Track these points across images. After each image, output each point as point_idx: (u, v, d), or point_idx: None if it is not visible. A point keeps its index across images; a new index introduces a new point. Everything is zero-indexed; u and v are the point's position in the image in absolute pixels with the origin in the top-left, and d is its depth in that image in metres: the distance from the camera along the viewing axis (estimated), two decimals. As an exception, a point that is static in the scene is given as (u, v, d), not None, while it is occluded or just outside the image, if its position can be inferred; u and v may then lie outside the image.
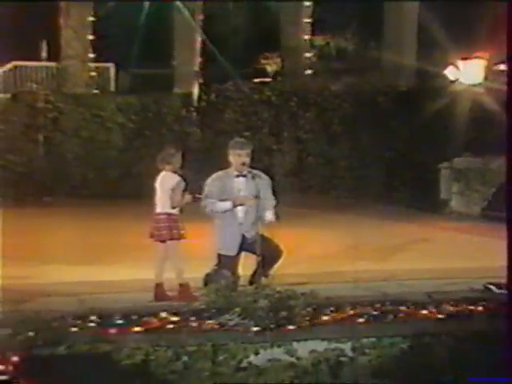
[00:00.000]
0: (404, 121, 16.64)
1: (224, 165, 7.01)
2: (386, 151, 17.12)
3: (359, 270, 8.12)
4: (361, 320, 5.67)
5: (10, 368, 4.66)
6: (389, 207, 15.16)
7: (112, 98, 17.65)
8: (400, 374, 5.42)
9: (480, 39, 14.76)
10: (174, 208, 6.80)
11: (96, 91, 18.12)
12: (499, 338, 5.05)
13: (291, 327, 5.42)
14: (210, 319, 5.46)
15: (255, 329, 5.34)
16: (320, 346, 5.40)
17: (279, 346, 5.34)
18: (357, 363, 5.43)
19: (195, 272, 6.81)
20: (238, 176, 6.90)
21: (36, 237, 10.73)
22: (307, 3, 19.36)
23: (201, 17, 18.19)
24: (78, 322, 5.37)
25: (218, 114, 17.54)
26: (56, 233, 11.04)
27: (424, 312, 5.90)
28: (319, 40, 20.82)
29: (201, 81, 17.84)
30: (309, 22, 19.38)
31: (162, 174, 6.92)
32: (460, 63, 15.26)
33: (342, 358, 5.43)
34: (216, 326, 5.39)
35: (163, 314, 5.59)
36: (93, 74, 18.26)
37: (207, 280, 6.65)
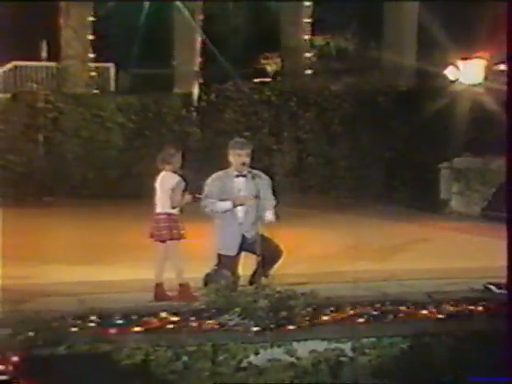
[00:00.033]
0: (404, 121, 16.64)
1: (224, 165, 7.01)
2: (386, 151, 17.12)
3: (359, 270, 8.12)
4: (361, 320, 5.68)
5: (10, 368, 4.65)
6: (389, 207, 15.16)
7: (112, 98, 17.66)
8: (400, 373, 5.42)
9: (480, 39, 14.76)
10: (173, 208, 6.80)
11: (96, 91, 18.13)
12: (499, 337, 5.05)
13: (291, 327, 5.43)
14: (210, 319, 5.47)
15: (255, 329, 5.34)
16: (320, 346, 5.41)
17: (279, 346, 5.34)
18: (357, 363, 5.43)
19: (195, 272, 6.82)
20: (238, 176, 6.90)
21: (36, 237, 10.73)
22: (307, 3, 19.37)
23: (201, 17, 18.20)
24: (78, 322, 5.37)
25: (218, 113, 17.55)
26: (56, 233, 11.03)
27: (424, 312, 5.90)
28: (319, 40, 20.83)
29: (201, 81, 17.84)
30: (309, 22, 19.39)
31: (162, 174, 6.92)
32: (460, 63, 15.26)
33: (342, 358, 5.43)
34: (216, 326, 5.39)
35: (163, 314, 5.59)
36: (93, 73, 18.28)
37: (207, 280, 6.66)
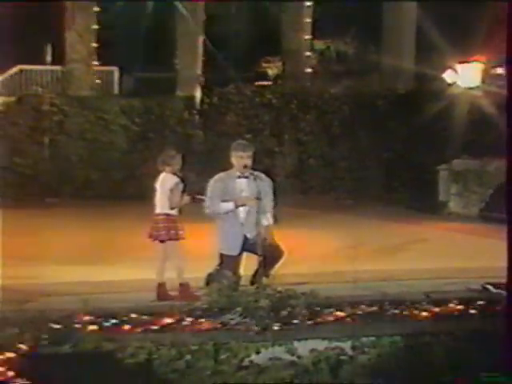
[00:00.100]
0: (403, 123, 16.72)
1: (226, 166, 7.06)
2: (385, 153, 17.19)
3: (359, 270, 8.12)
4: (361, 319, 5.74)
5: (10, 368, 4.68)
6: (388, 208, 15.22)
7: (116, 101, 17.74)
8: (399, 372, 5.45)
9: (477, 43, 14.83)
10: (172, 209, 6.87)
11: (100, 94, 18.21)
12: (498, 337, 5.08)
13: (292, 326, 5.49)
14: (212, 318, 5.53)
15: (256, 328, 5.41)
16: (320, 344, 5.42)
17: (280, 345, 5.38)
18: (356, 362, 5.45)
19: (197, 272, 6.87)
20: (239, 177, 6.94)
21: (41, 237, 10.77)
22: (308, 3, 19.43)
23: (203, 21, 18.27)
24: (82, 321, 5.44)
25: (220, 116, 17.62)
26: (61, 233, 11.08)
27: (423, 312, 5.94)
28: (320, 44, 20.91)
29: (203, 84, 17.92)
30: (309, 22, 19.44)
31: (162, 175, 7.00)
32: (458, 67, 15.33)
33: (342, 357, 5.44)
34: (218, 326, 5.45)
35: (166, 313, 5.66)
36: (97, 77, 18.36)
37: (209, 280, 6.71)
